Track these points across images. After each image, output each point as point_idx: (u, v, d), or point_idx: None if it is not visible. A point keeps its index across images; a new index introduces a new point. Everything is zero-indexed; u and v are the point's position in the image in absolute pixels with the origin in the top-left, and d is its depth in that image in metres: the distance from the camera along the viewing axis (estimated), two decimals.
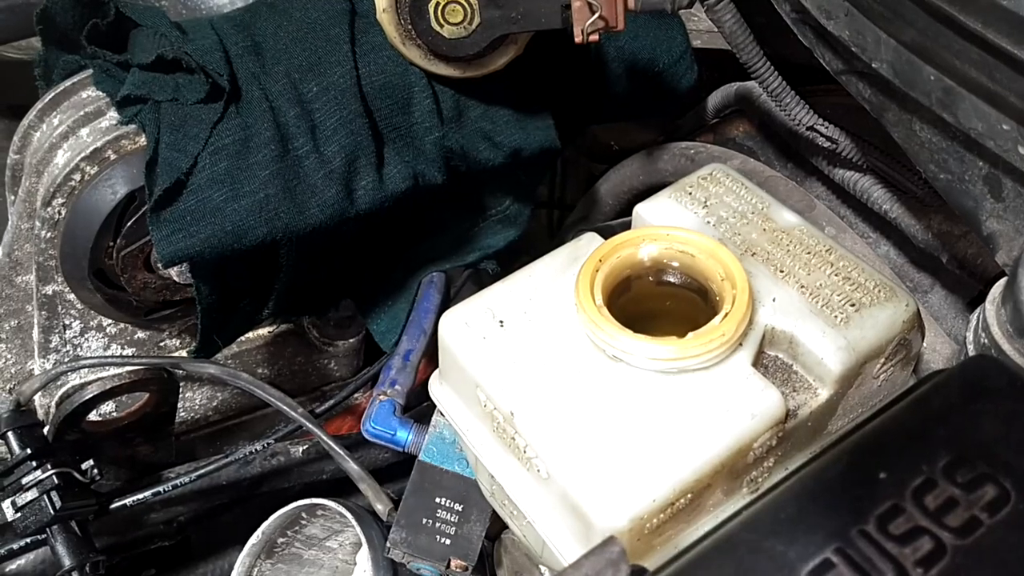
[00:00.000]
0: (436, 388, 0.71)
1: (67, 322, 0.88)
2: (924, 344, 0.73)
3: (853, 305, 0.64)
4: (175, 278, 0.85)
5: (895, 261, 0.92)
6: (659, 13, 0.91)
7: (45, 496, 0.81)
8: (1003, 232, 0.60)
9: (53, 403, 0.91)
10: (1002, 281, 0.61)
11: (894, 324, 0.64)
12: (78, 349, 0.90)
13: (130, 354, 0.93)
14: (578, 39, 0.72)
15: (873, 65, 0.62)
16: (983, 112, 0.55)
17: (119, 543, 0.93)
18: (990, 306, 0.60)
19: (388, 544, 0.78)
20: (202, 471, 0.89)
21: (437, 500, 0.79)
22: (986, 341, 0.60)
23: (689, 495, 0.57)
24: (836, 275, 0.66)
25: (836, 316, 0.64)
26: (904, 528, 0.45)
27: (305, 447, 0.98)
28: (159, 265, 0.83)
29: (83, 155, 0.79)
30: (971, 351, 0.62)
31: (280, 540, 0.92)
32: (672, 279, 0.67)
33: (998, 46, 0.53)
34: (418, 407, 0.88)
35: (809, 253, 0.68)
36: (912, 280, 0.90)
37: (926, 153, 0.63)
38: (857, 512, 0.46)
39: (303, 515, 0.91)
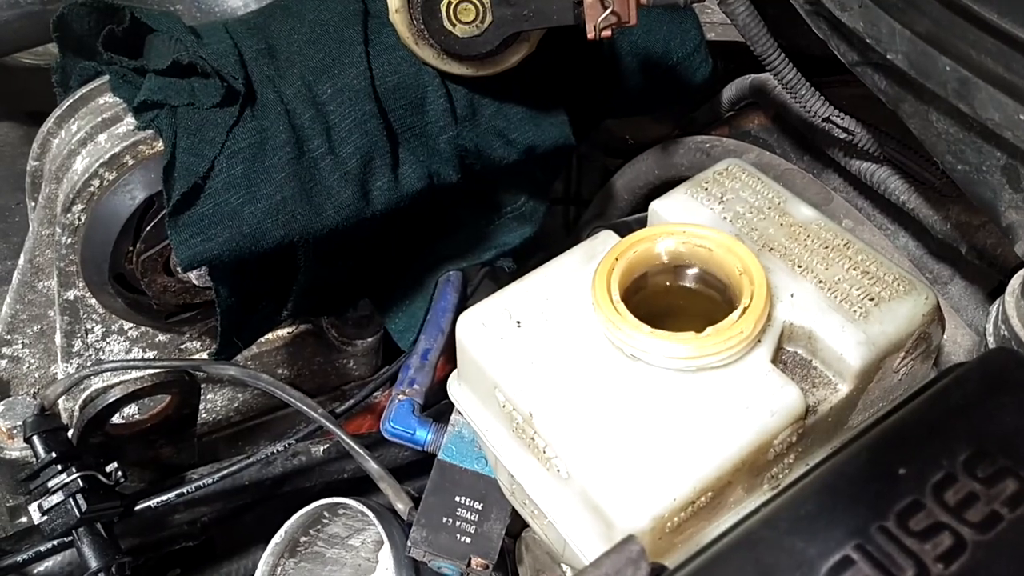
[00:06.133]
0: (454, 388, 0.71)
1: (89, 326, 0.89)
2: (945, 336, 0.73)
3: (872, 299, 0.64)
4: (194, 281, 0.85)
5: (914, 252, 0.91)
6: (672, 7, 0.91)
7: (71, 499, 0.81)
8: (1022, 223, 0.59)
9: (77, 407, 0.92)
10: (1022, 272, 0.61)
11: (914, 318, 0.64)
12: (100, 353, 0.91)
13: (151, 357, 0.94)
14: (591, 35, 0.72)
15: (888, 56, 0.61)
16: (1000, 102, 0.55)
17: (144, 544, 0.94)
18: (1010, 297, 0.60)
19: (409, 543, 0.78)
20: (225, 472, 0.90)
21: (457, 499, 0.79)
22: (1006, 333, 0.59)
23: (710, 493, 0.56)
24: (854, 269, 0.66)
25: (855, 311, 0.63)
26: (924, 524, 0.45)
27: (326, 447, 0.98)
28: (178, 269, 0.83)
29: (101, 161, 0.80)
30: (991, 343, 0.61)
31: (303, 539, 0.93)
32: (689, 275, 0.67)
33: (1014, 36, 0.53)
34: (436, 405, 0.89)
35: (827, 247, 0.67)
36: (931, 271, 0.90)
37: (943, 144, 0.62)
38: (877, 508, 0.46)
39: (325, 514, 0.91)
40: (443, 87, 0.84)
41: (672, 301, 0.68)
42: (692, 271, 0.67)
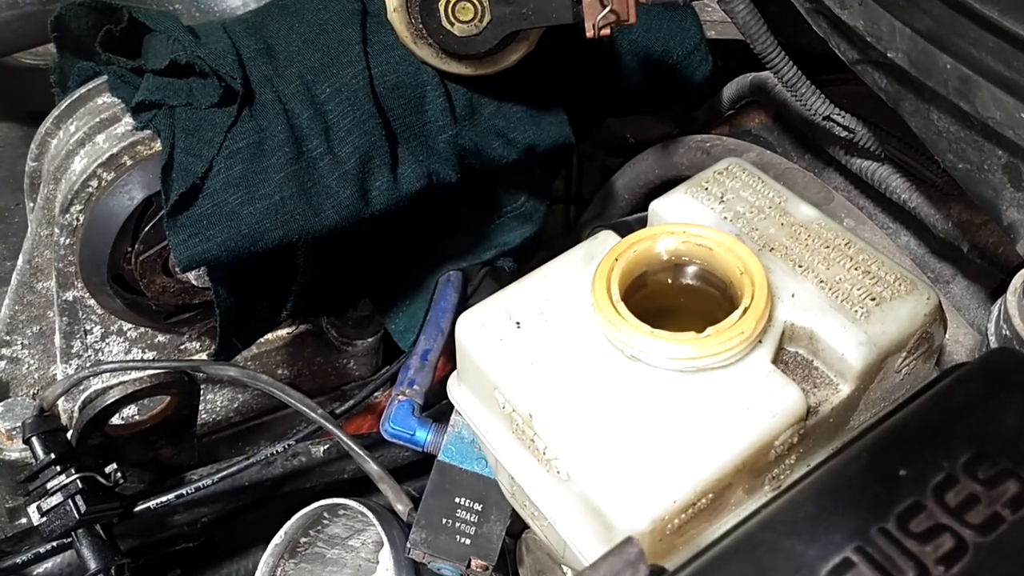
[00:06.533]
0: (454, 389, 0.71)
1: (88, 327, 0.89)
2: (947, 336, 0.72)
3: (873, 299, 0.64)
4: (193, 282, 0.85)
5: (915, 251, 0.91)
6: (671, 5, 0.91)
7: (70, 500, 0.81)
8: None
9: (76, 408, 0.92)
10: (1023, 271, 0.61)
11: (915, 317, 0.64)
12: (99, 354, 0.91)
13: (151, 358, 0.94)
14: (590, 34, 0.71)
15: (888, 54, 0.61)
16: (1001, 101, 0.54)
17: (144, 545, 0.94)
18: (1011, 297, 0.60)
19: (408, 544, 0.78)
20: (224, 472, 0.90)
21: (457, 500, 0.79)
22: (1008, 332, 0.59)
23: (710, 495, 0.56)
24: (855, 269, 0.66)
25: (856, 311, 0.63)
26: (925, 526, 0.45)
27: (326, 447, 0.98)
28: (177, 269, 0.83)
29: (100, 161, 0.80)
30: (993, 343, 0.61)
31: (303, 540, 0.93)
32: (690, 273, 0.67)
33: (1015, 34, 0.52)
34: (436, 406, 0.88)
35: (828, 247, 0.67)
36: (933, 270, 0.89)
37: (944, 142, 0.62)
38: (877, 510, 0.46)
39: (325, 515, 0.91)
40: (442, 86, 0.83)
41: (672, 299, 0.68)
42: (693, 269, 0.67)
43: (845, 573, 0.44)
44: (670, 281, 0.67)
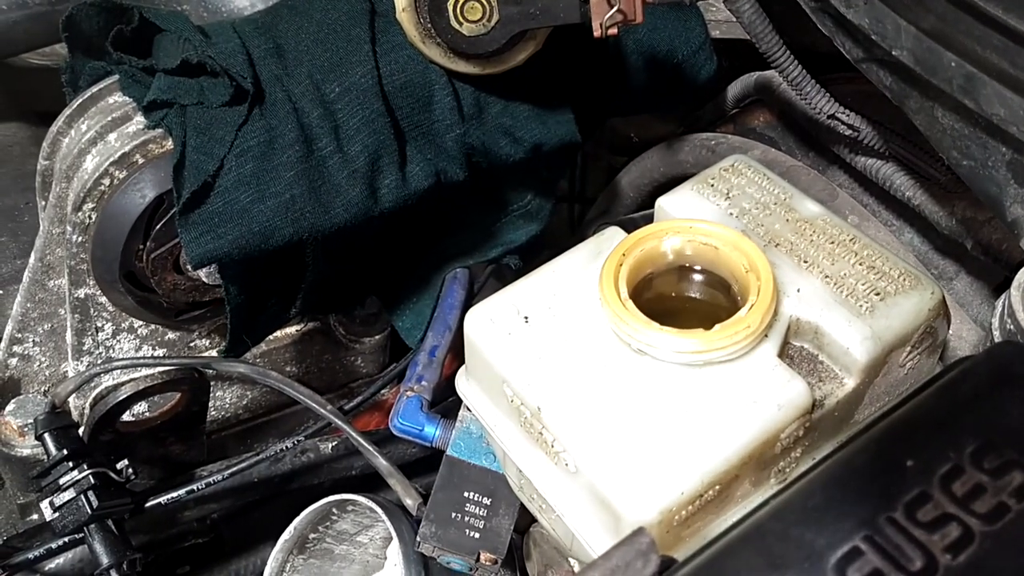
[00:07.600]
0: (463, 384, 0.72)
1: (99, 324, 0.89)
2: (950, 331, 0.73)
3: (878, 294, 0.64)
4: (204, 279, 0.86)
5: (919, 248, 0.91)
6: (677, 5, 0.91)
7: (82, 496, 0.82)
8: None
9: (87, 404, 0.92)
10: None
11: (919, 312, 0.64)
12: (111, 351, 0.91)
13: (161, 355, 0.95)
14: (597, 33, 0.72)
15: (893, 53, 0.62)
16: (1005, 98, 0.55)
17: (154, 541, 0.94)
18: (1015, 292, 0.60)
19: (418, 538, 0.79)
20: (234, 469, 0.90)
21: (465, 494, 0.79)
22: (1012, 327, 0.60)
23: (717, 486, 0.57)
24: (860, 264, 0.66)
25: (861, 305, 0.64)
26: (932, 515, 0.45)
27: (334, 443, 0.99)
28: (188, 267, 0.84)
29: (111, 160, 0.80)
30: (997, 337, 0.62)
31: (312, 536, 0.93)
32: (694, 274, 0.68)
33: (1019, 32, 0.53)
34: (444, 402, 0.89)
35: (833, 243, 0.68)
36: (937, 267, 0.90)
37: (948, 140, 0.62)
38: (885, 499, 0.46)
39: (334, 511, 0.92)
40: (450, 85, 0.84)
41: (677, 301, 0.68)
42: (697, 276, 0.67)
43: (854, 561, 0.44)
44: (675, 292, 0.68)
